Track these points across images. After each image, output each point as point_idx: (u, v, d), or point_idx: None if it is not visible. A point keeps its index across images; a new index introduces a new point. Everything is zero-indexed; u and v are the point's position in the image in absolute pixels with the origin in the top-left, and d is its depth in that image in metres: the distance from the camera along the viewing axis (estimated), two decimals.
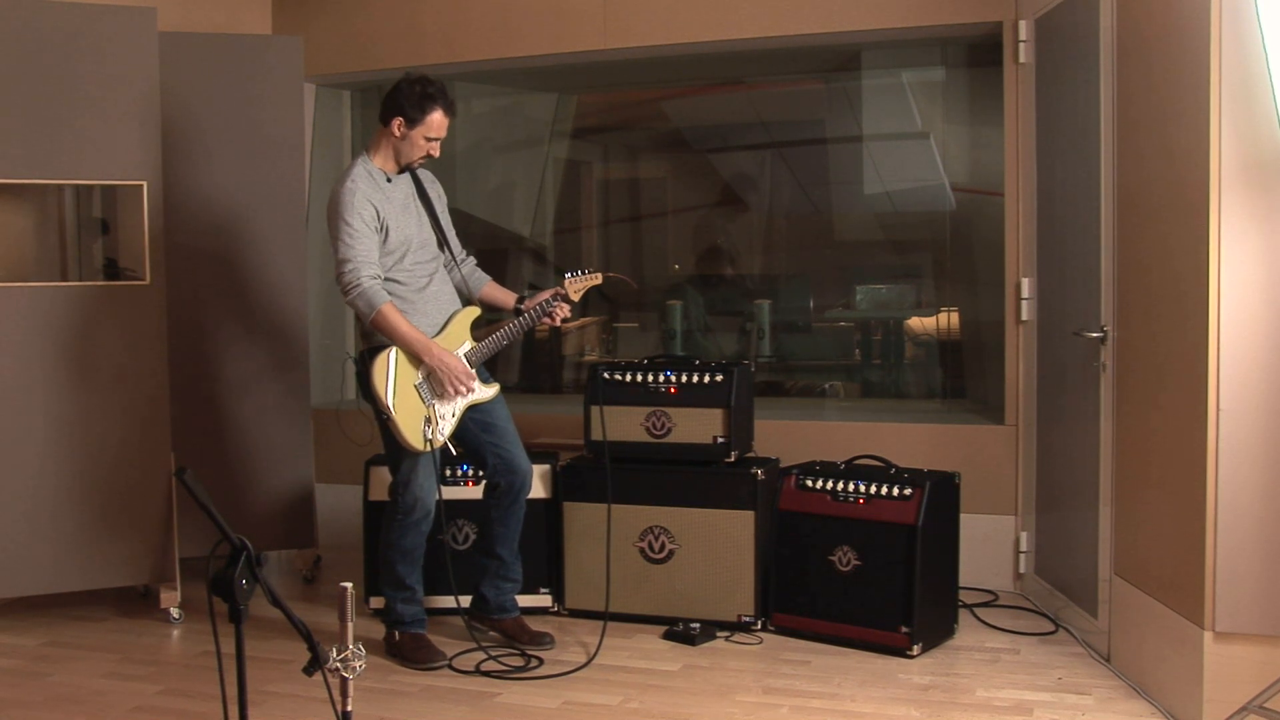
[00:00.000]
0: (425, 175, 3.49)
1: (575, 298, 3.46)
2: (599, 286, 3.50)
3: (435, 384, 3.31)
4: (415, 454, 3.31)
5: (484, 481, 3.80)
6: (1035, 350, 3.94)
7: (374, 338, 3.33)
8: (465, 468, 3.85)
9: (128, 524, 3.81)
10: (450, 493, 3.80)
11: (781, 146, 5.51)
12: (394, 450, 3.37)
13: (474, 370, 3.39)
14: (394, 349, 3.27)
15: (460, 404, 3.38)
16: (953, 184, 4.78)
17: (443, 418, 3.34)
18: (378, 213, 3.27)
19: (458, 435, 3.39)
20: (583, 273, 3.46)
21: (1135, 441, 3.17)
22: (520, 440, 3.54)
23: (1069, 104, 3.61)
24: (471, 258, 3.61)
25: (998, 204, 4.15)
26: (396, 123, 3.30)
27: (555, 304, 3.42)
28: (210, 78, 4.17)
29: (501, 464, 3.49)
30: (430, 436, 3.29)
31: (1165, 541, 2.98)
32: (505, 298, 3.57)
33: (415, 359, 3.29)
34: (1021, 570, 4.05)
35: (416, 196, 3.43)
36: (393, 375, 3.25)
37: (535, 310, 3.44)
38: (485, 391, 3.44)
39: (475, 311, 3.48)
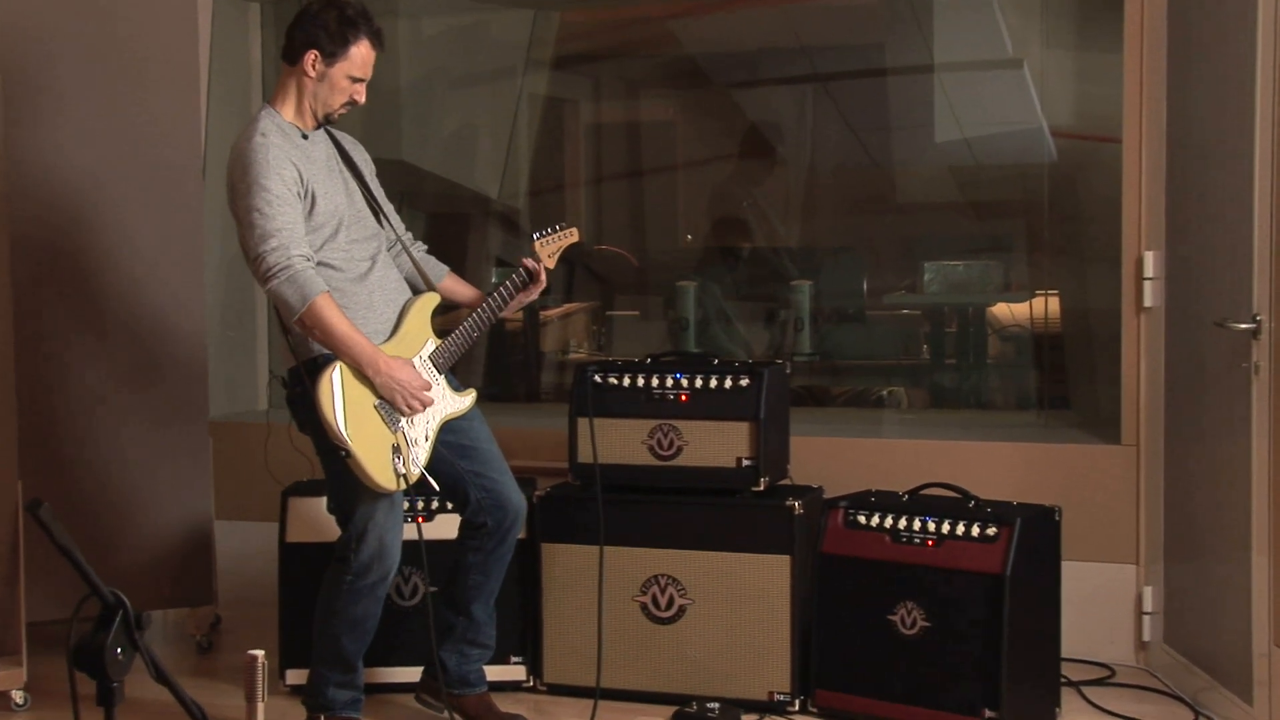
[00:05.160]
0: (345, 138, 3.51)
1: (550, 263, 3.47)
2: (576, 247, 3.51)
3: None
4: (378, 495, 3.28)
5: (439, 517, 3.79)
6: (1162, 346, 3.93)
7: (309, 345, 3.28)
8: (414, 500, 3.81)
9: None
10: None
11: (828, 80, 5.52)
12: (343, 491, 3.34)
13: (441, 376, 3.39)
14: (339, 362, 3.22)
15: (434, 422, 3.36)
16: (1053, 128, 4.77)
17: (414, 443, 3.31)
18: (300, 175, 3.25)
19: (428, 466, 3.37)
20: (553, 230, 3.49)
21: None
22: (508, 466, 3.54)
23: (1213, 21, 3.58)
24: (420, 243, 3.61)
25: (1114, 154, 4.13)
26: (310, 58, 3.29)
27: (529, 268, 3.42)
28: None
29: (489, 499, 3.48)
30: (403, 470, 3.25)
31: None
32: (468, 294, 3.57)
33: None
34: (1146, 637, 4.03)
35: (340, 160, 3.43)
36: (340, 395, 3.21)
37: (507, 287, 3.44)
38: (459, 402, 3.43)
39: (434, 299, 3.48)
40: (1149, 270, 3.95)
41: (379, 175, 3.59)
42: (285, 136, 3.27)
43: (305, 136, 3.33)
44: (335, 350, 3.22)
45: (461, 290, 3.59)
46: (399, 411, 3.28)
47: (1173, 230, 3.85)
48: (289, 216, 3.18)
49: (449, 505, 3.75)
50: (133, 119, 4.18)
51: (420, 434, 3.33)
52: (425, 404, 3.31)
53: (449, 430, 3.42)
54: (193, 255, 4.27)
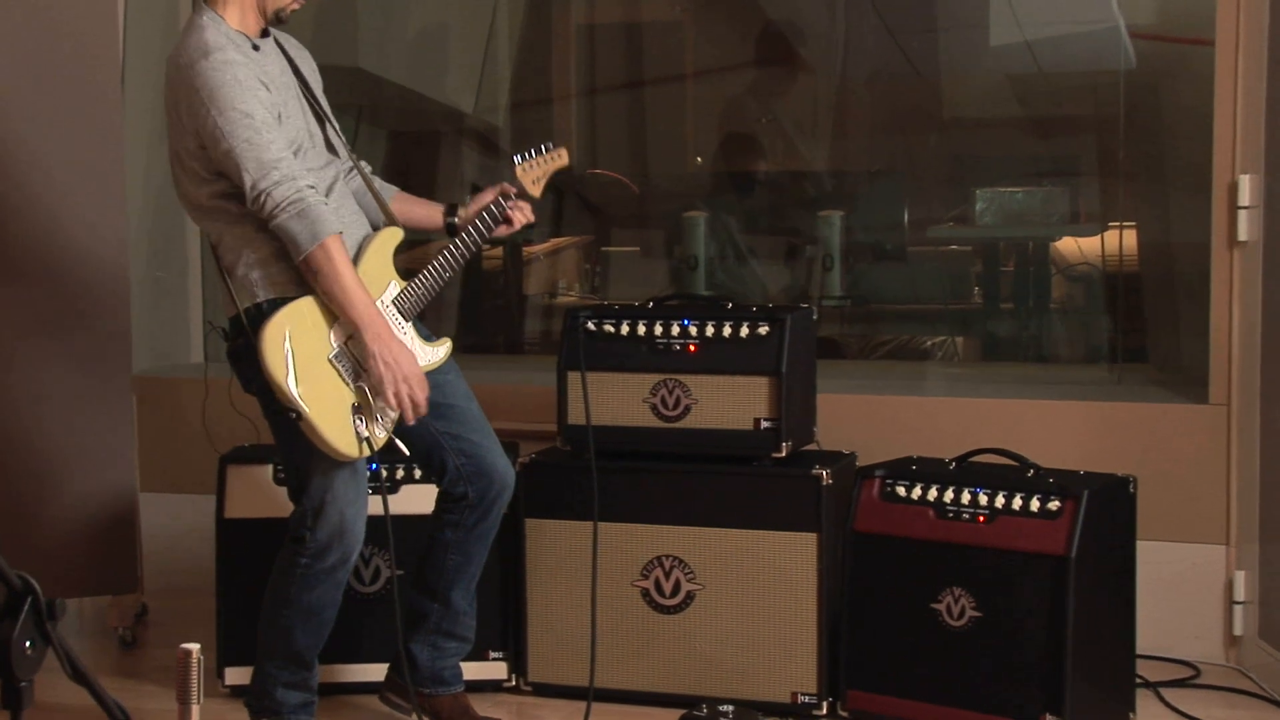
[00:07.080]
0: (290, 43, 3.50)
1: (535, 190, 3.49)
2: (566, 172, 3.53)
3: (357, 348, 3.28)
4: (338, 462, 3.28)
5: (404, 488, 3.81)
6: (1259, 288, 3.91)
7: (252, 289, 3.27)
8: (374, 466, 3.81)
9: None
10: None
11: None
12: (296, 459, 3.34)
13: (409, 324, 3.39)
14: (287, 309, 3.21)
15: None
16: (1131, 28, 4.77)
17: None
18: (271, 95, 3.25)
19: (396, 430, 3.37)
20: (539, 151, 3.50)
21: None
22: (491, 428, 3.54)
23: None
24: (365, 163, 3.62)
25: (1204, 59, 4.11)
26: None
27: (509, 204, 3.44)
28: None
29: (469, 465, 3.49)
30: (366, 433, 3.25)
31: None
32: (427, 212, 3.58)
33: (327, 315, 3.25)
34: (1238, 631, 4.04)
35: (291, 72, 3.42)
36: (289, 348, 3.20)
37: (481, 221, 3.43)
38: (432, 353, 3.42)
39: (397, 235, 3.47)
40: (1244, 198, 3.93)
41: (329, 84, 3.56)
42: (240, 50, 3.25)
43: (256, 47, 3.30)
44: (334, 302, 3.21)
45: (416, 210, 3.58)
46: (384, 398, 3.25)
47: (1274, 151, 3.83)
48: (281, 144, 3.19)
49: (417, 475, 3.75)
50: (38, 26, 4.15)
51: None
52: (419, 409, 3.28)
53: None
54: (113, 183, 4.26)
